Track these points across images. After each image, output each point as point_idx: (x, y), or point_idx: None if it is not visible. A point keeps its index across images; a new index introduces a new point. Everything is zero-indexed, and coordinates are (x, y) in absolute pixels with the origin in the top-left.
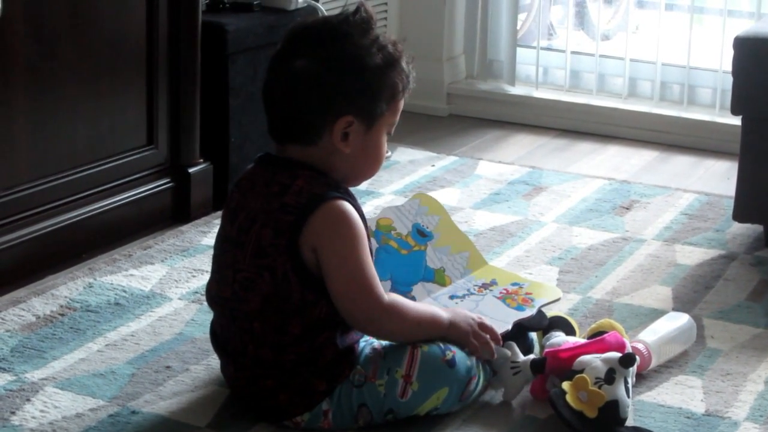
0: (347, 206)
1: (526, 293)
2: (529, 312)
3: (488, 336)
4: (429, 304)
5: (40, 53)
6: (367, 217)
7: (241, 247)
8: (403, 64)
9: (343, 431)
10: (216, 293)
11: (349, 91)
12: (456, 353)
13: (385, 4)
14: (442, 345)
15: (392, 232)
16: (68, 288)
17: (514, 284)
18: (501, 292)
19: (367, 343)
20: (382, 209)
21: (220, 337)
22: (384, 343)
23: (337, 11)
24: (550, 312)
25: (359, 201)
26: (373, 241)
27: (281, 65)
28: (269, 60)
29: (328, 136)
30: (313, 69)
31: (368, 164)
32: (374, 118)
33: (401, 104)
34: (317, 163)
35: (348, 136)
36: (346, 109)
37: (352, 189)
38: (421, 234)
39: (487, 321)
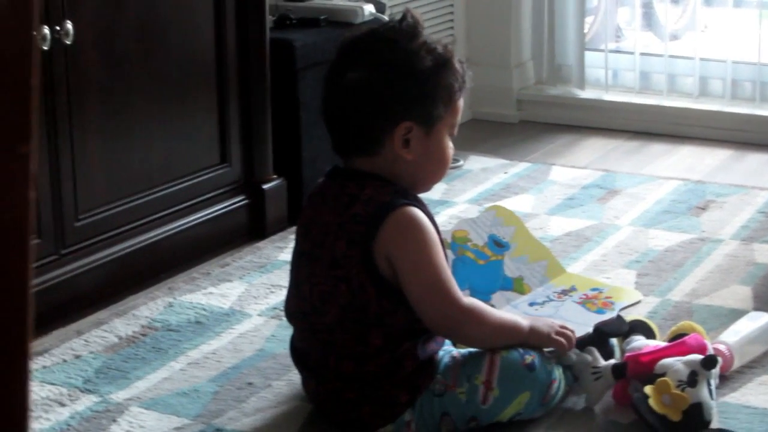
0: (416, 212)
1: (606, 297)
2: (609, 315)
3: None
4: (508, 311)
5: (111, 77)
6: (442, 229)
7: (316, 260)
8: (456, 64)
9: None
10: (295, 308)
11: (403, 96)
12: (536, 357)
13: (452, 13)
14: (521, 350)
15: (468, 244)
16: (149, 308)
17: (593, 289)
18: (581, 298)
19: (446, 352)
20: (458, 221)
21: (300, 351)
22: (463, 350)
23: None
24: (630, 316)
25: (433, 210)
26: (449, 252)
27: (334, 80)
28: (324, 76)
29: (389, 144)
30: (366, 79)
31: (434, 168)
32: (433, 122)
33: (460, 104)
34: (383, 172)
35: (409, 142)
36: (404, 116)
37: (424, 196)
38: (498, 244)
39: (568, 325)
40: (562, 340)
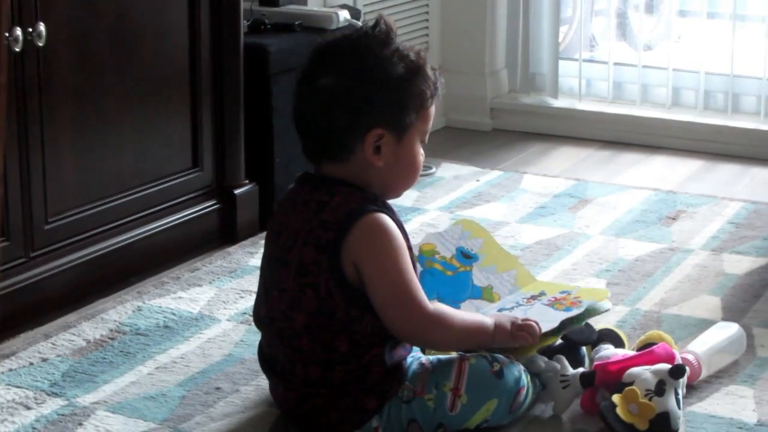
0: (383, 218)
1: (575, 297)
2: (576, 311)
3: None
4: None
5: (84, 80)
6: (412, 240)
7: (285, 266)
8: (428, 71)
9: None
10: (264, 314)
11: (375, 103)
12: (504, 365)
13: (426, 21)
14: (489, 357)
15: (436, 256)
16: (117, 312)
17: (562, 292)
18: (549, 300)
19: (415, 358)
20: (425, 236)
21: (268, 357)
22: (431, 357)
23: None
24: (599, 325)
25: (404, 217)
26: (417, 265)
27: (306, 85)
28: (295, 81)
29: (360, 150)
30: (338, 85)
31: (404, 175)
32: (404, 129)
33: (432, 111)
34: (353, 178)
35: (380, 149)
36: (375, 122)
37: (395, 202)
38: (466, 256)
39: (531, 319)
40: (525, 334)
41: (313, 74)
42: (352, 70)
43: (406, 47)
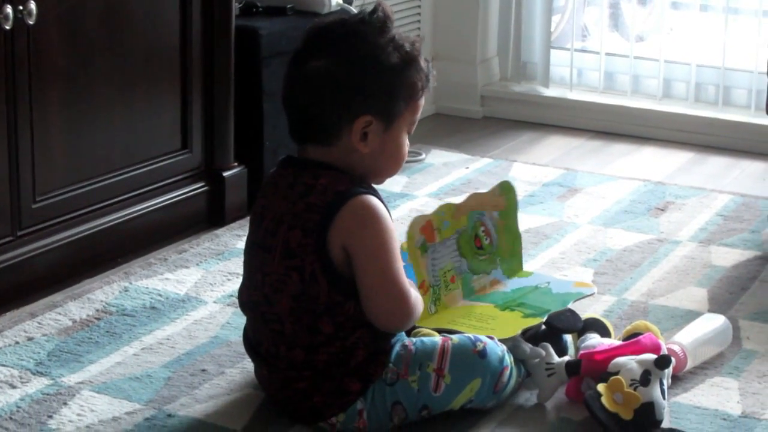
0: (374, 200)
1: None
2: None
3: None
4: None
5: (74, 59)
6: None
7: (269, 250)
8: (422, 63)
9: (378, 430)
10: (247, 298)
11: (366, 90)
12: (487, 344)
13: (419, 6)
14: (472, 337)
15: None
16: (104, 292)
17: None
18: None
19: (398, 340)
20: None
21: (252, 340)
22: (415, 339)
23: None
24: (585, 314)
25: (393, 203)
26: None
27: (299, 66)
28: (288, 61)
29: (347, 136)
30: (330, 69)
31: (388, 163)
32: (393, 118)
33: (421, 103)
34: (337, 162)
35: (367, 135)
36: (365, 109)
37: (382, 187)
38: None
39: None
40: None
41: (306, 56)
42: (346, 55)
43: (401, 37)
